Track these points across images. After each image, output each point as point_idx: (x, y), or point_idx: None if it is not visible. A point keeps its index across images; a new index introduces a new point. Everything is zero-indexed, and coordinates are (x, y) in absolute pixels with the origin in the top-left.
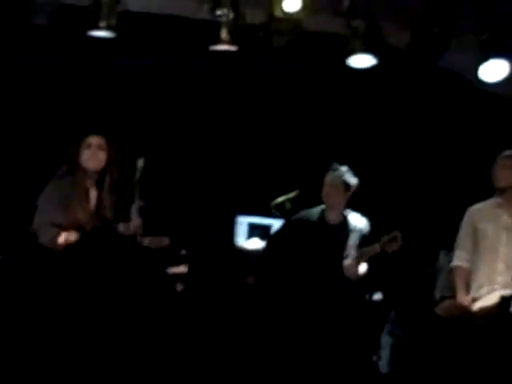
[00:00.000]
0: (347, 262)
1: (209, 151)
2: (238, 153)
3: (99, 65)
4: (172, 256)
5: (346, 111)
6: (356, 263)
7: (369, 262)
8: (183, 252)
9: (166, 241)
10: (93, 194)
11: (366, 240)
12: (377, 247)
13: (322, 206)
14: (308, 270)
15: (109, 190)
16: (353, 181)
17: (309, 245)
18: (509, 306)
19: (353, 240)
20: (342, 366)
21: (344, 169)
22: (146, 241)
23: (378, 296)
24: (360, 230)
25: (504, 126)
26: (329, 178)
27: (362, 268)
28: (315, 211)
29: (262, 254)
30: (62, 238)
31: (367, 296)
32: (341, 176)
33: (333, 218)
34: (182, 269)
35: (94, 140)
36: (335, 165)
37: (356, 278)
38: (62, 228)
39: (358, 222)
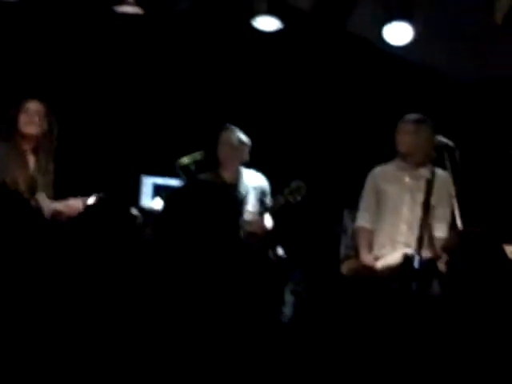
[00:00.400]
0: (250, 217)
1: (113, 112)
2: (142, 114)
3: None
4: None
5: (251, 73)
6: (260, 218)
7: (275, 216)
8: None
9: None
10: (31, 159)
11: (267, 195)
12: (280, 199)
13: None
14: (203, 227)
15: (45, 157)
16: (245, 138)
17: (204, 202)
18: (412, 263)
19: (252, 196)
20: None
21: (236, 128)
22: (60, 205)
23: (281, 251)
24: (257, 187)
25: (408, 90)
26: (223, 136)
27: (268, 222)
28: (210, 173)
29: (160, 211)
30: None
31: (271, 251)
32: (234, 134)
33: (228, 176)
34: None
35: (32, 105)
36: (228, 124)
37: (262, 232)
38: None
39: (254, 178)
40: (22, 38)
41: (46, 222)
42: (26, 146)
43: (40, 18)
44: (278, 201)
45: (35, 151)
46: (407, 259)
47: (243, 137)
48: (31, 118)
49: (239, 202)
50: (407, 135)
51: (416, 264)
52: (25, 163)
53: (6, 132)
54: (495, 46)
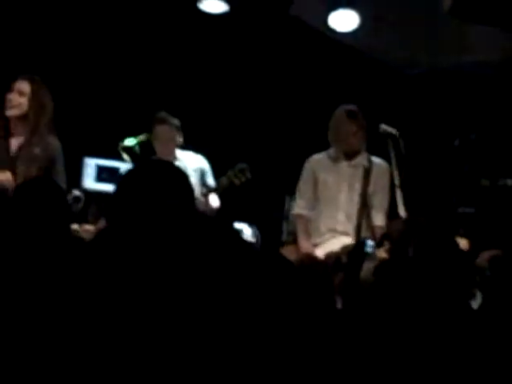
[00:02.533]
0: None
1: (55, 92)
2: (84, 95)
3: None
4: None
5: (197, 56)
6: (205, 198)
7: (221, 198)
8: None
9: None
10: (16, 140)
11: (208, 175)
12: (224, 180)
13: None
14: (159, 209)
15: (31, 135)
16: (176, 123)
17: (159, 183)
18: (363, 248)
19: (193, 178)
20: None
21: (174, 121)
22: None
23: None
24: (197, 168)
25: (351, 77)
26: (159, 129)
27: (215, 202)
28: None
29: (112, 196)
30: None
31: None
32: (172, 128)
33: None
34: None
35: (18, 85)
36: (163, 114)
37: (210, 212)
38: None
39: (192, 160)
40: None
41: None
42: (13, 127)
43: None
44: (222, 182)
45: (22, 132)
46: (359, 244)
47: (174, 123)
48: (13, 98)
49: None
50: (341, 126)
51: (369, 249)
52: (6, 147)
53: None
54: (442, 34)
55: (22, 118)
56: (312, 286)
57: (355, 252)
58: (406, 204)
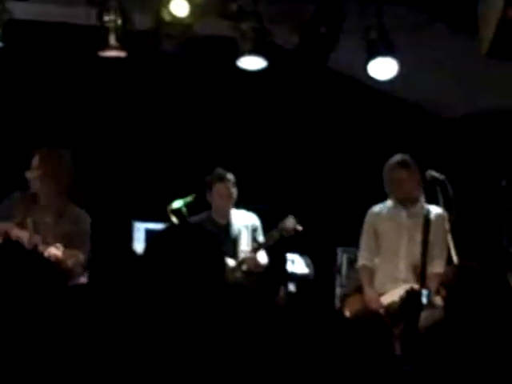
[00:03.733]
0: (244, 255)
1: (103, 157)
2: (131, 159)
3: None
4: None
5: (239, 113)
6: (253, 255)
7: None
8: None
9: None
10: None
11: (258, 232)
12: (275, 234)
13: (209, 211)
14: (185, 271)
15: (56, 201)
16: (233, 180)
17: (184, 247)
18: (417, 298)
19: (244, 236)
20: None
21: (230, 176)
22: (60, 251)
23: (292, 287)
24: (248, 226)
25: (394, 124)
26: (218, 187)
27: (263, 258)
28: (203, 215)
29: (141, 257)
30: None
31: (282, 288)
32: (230, 185)
33: (220, 219)
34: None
35: (33, 161)
36: (221, 171)
37: (258, 269)
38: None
39: (244, 217)
40: (16, 81)
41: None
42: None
43: (31, 62)
44: (272, 236)
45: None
46: (412, 294)
47: (232, 178)
48: (31, 175)
49: (220, 244)
50: (400, 182)
51: (424, 299)
52: (36, 210)
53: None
54: (480, 79)
55: (41, 192)
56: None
57: (410, 302)
58: (457, 248)
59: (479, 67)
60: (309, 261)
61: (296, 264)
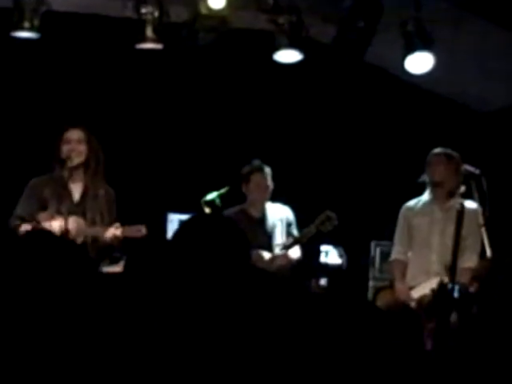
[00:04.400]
0: (277, 252)
1: (139, 149)
2: (167, 150)
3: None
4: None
5: (274, 107)
6: (284, 252)
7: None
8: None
9: (143, 230)
10: (77, 188)
11: (293, 226)
12: (312, 228)
13: (244, 204)
14: (208, 262)
15: (93, 183)
16: (270, 173)
17: (207, 237)
18: (448, 292)
19: (278, 229)
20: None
21: (268, 169)
22: (121, 230)
23: (323, 281)
24: (282, 219)
25: (430, 119)
26: (256, 177)
27: (296, 253)
28: (237, 208)
29: (166, 247)
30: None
31: (314, 281)
32: (266, 176)
33: (255, 212)
34: (117, 268)
35: (73, 133)
36: (258, 163)
37: (290, 264)
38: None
39: (279, 211)
40: (50, 73)
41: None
42: (71, 176)
43: (68, 53)
44: (308, 231)
45: (82, 179)
46: (442, 287)
47: (268, 170)
48: (74, 147)
49: (245, 236)
50: (439, 165)
51: (456, 293)
52: (67, 194)
53: (48, 164)
54: None
55: (83, 165)
56: (401, 330)
57: (441, 296)
58: (491, 243)
59: None
60: (342, 251)
61: (329, 255)
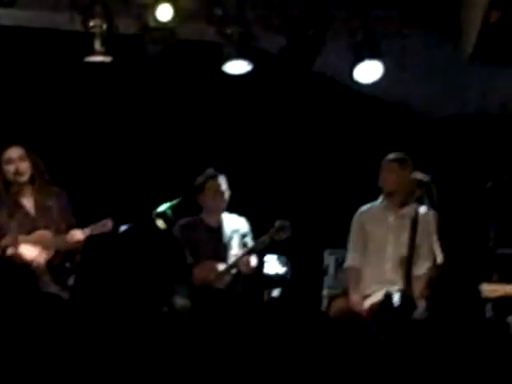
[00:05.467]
0: (234, 259)
1: (89, 161)
2: (117, 162)
3: None
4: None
5: (224, 117)
6: (247, 257)
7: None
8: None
9: (109, 223)
10: (30, 202)
11: (248, 237)
12: (265, 239)
13: (200, 214)
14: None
15: (42, 195)
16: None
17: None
18: (391, 302)
19: (234, 240)
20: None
21: (222, 176)
22: (88, 230)
23: (276, 292)
24: (239, 230)
25: (380, 127)
26: (211, 185)
27: (253, 261)
28: (194, 217)
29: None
30: None
31: (266, 293)
32: (222, 182)
33: (212, 222)
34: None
35: (13, 152)
36: (212, 171)
37: (249, 271)
38: None
39: (235, 222)
40: None
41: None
42: (20, 194)
43: (16, 67)
44: (263, 240)
45: (31, 194)
46: (387, 297)
47: (225, 180)
48: (18, 166)
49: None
50: (392, 174)
51: (396, 301)
52: (20, 210)
53: None
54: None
55: (29, 181)
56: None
57: (384, 305)
58: (443, 250)
59: (463, 70)
60: (285, 260)
61: (271, 264)
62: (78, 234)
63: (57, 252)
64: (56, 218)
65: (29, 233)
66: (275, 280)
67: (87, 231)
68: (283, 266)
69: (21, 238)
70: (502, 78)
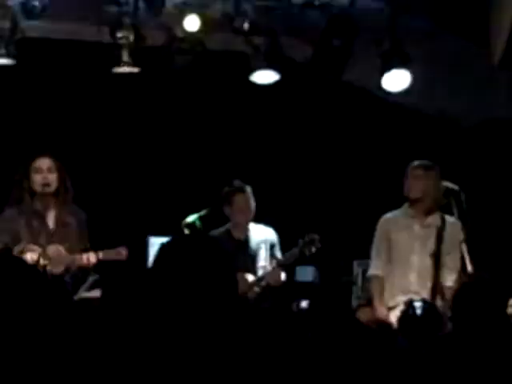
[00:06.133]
0: (263, 271)
1: (118, 172)
2: (147, 173)
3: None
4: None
5: (253, 127)
6: (277, 269)
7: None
8: (95, 276)
9: (123, 252)
10: (51, 215)
11: (276, 248)
12: (295, 251)
13: (227, 225)
14: (193, 282)
15: (63, 211)
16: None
17: (190, 260)
18: (414, 310)
19: (262, 251)
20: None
21: (249, 188)
22: (101, 254)
23: (304, 304)
24: (266, 241)
25: (409, 135)
26: (239, 198)
27: (282, 275)
28: (221, 230)
29: (149, 270)
30: None
31: (295, 304)
32: (249, 197)
33: (239, 234)
34: (94, 293)
35: (43, 162)
36: (239, 183)
37: (278, 284)
38: None
39: (262, 232)
40: (26, 98)
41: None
42: (43, 205)
43: (44, 79)
44: (293, 253)
45: (53, 207)
46: (409, 305)
47: (250, 191)
48: (46, 176)
49: (230, 256)
50: (417, 181)
51: (419, 311)
52: (43, 223)
53: (16, 195)
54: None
55: (53, 194)
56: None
57: (405, 314)
58: (473, 259)
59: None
60: (313, 269)
61: (300, 273)
62: (90, 257)
63: (66, 269)
64: (73, 236)
65: (43, 245)
66: (304, 289)
67: (100, 255)
68: (311, 274)
69: (32, 246)
70: None
